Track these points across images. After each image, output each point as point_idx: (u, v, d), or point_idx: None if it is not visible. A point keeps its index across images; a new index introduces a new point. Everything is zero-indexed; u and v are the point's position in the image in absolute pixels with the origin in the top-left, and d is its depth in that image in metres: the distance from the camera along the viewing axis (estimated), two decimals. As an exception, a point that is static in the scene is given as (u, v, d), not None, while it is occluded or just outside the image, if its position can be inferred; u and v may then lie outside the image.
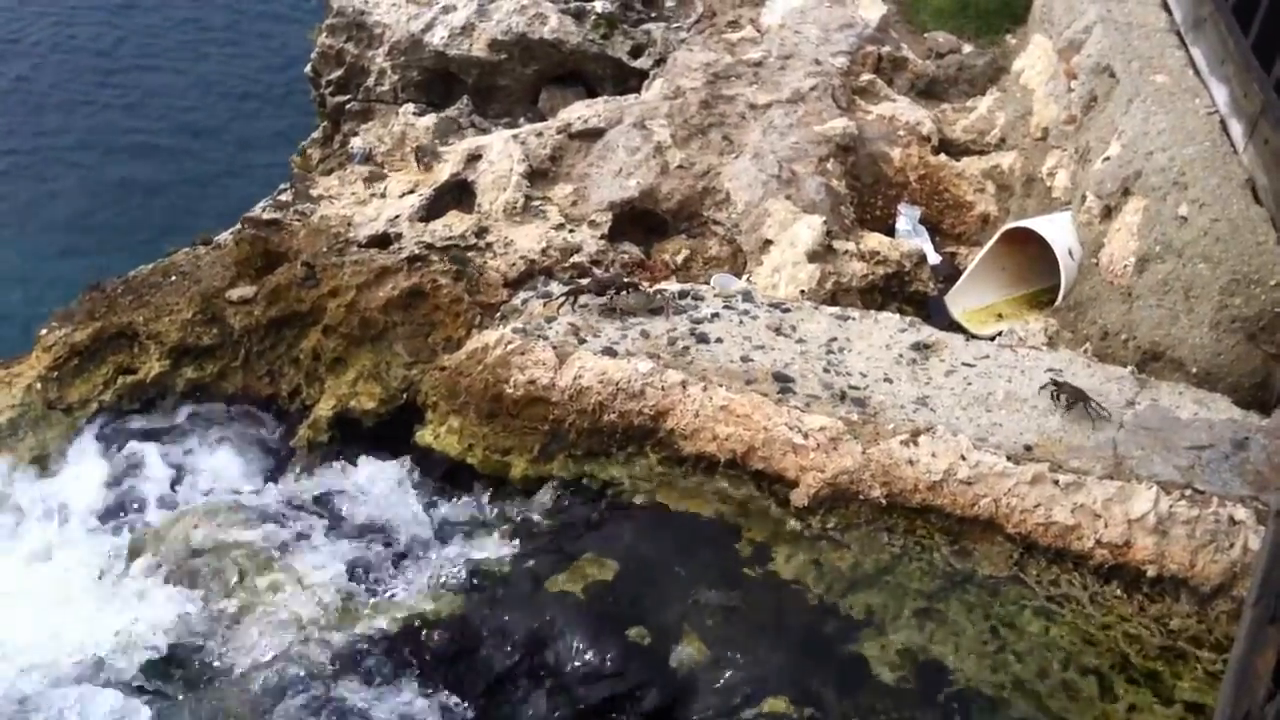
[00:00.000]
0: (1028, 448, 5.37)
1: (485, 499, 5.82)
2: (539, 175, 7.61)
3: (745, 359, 5.84)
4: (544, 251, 6.96)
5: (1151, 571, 5.07)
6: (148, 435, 6.33)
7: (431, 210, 7.31)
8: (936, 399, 5.65)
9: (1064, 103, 7.84)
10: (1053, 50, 8.32)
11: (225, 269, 6.97)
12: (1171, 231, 6.20)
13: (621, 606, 5.16)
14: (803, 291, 6.88)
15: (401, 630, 5.17)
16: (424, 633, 5.17)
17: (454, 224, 7.17)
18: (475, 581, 5.35)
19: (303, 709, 4.94)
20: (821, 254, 7.06)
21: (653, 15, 9.54)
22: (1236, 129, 6.51)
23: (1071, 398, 5.54)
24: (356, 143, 8.48)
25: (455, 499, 5.84)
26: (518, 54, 9.12)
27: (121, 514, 5.94)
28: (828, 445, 5.40)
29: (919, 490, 5.28)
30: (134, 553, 5.58)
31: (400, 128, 8.33)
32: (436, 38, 9.17)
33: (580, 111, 8.08)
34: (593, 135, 7.88)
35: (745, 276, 7.20)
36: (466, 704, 5.01)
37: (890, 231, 7.96)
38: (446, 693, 5.02)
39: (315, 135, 10.16)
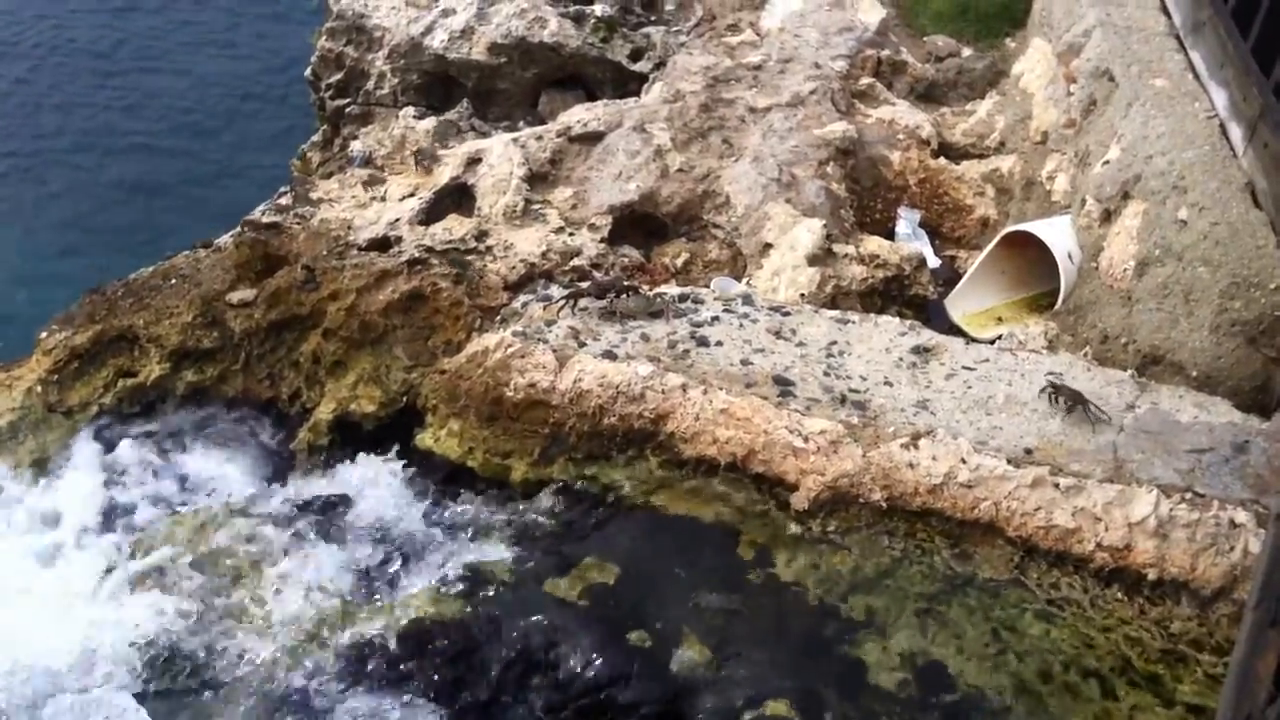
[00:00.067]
0: (1028, 451, 5.37)
1: (485, 502, 5.81)
2: (539, 179, 7.61)
3: (745, 362, 5.84)
4: (544, 255, 6.97)
5: (1152, 575, 5.07)
6: (148, 438, 6.33)
7: (431, 213, 7.31)
8: (936, 402, 5.65)
9: (1063, 106, 7.84)
10: (1052, 54, 8.31)
11: (225, 272, 6.99)
12: (1171, 235, 6.20)
13: (622, 610, 5.16)
14: (802, 295, 6.88)
15: (401, 634, 5.17)
16: (424, 636, 5.16)
17: (454, 227, 7.17)
18: (475, 585, 5.34)
19: (302, 712, 4.94)
20: (821, 257, 7.06)
21: (652, 19, 9.55)
22: (1236, 133, 6.50)
23: (1070, 400, 5.54)
24: (356, 146, 8.48)
25: (455, 502, 5.82)
26: (517, 57, 9.13)
27: (121, 517, 5.92)
28: (828, 448, 5.39)
29: (919, 493, 5.28)
30: (134, 555, 5.58)
31: (400, 131, 8.33)
32: (436, 41, 9.18)
33: (580, 115, 8.08)
34: (592, 139, 7.88)
35: (745, 280, 7.20)
36: (467, 707, 5.00)
37: (890, 235, 7.96)
38: (447, 696, 5.01)
39: (315, 138, 10.18)
